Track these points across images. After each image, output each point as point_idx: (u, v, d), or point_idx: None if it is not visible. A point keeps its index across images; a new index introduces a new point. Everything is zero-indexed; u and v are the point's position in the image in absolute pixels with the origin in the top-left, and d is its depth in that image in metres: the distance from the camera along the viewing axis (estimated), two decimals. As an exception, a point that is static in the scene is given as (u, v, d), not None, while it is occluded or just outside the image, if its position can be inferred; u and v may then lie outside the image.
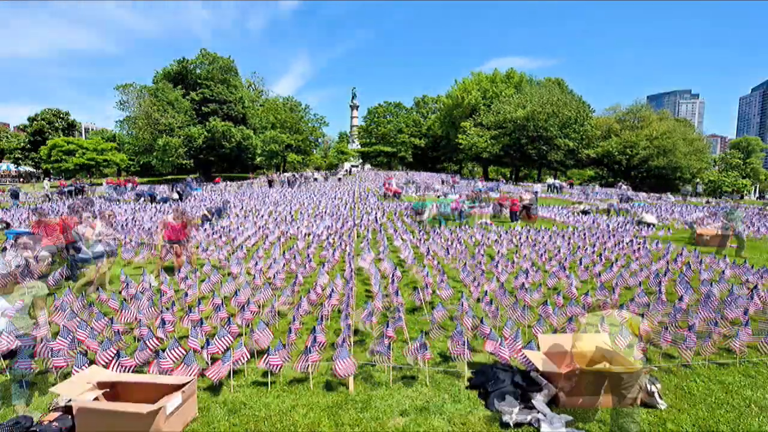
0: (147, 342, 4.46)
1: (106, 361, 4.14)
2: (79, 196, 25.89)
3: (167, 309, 5.52)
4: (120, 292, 6.52)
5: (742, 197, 50.95)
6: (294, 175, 39.24)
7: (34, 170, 61.65)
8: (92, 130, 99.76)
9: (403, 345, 5.10)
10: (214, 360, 4.23)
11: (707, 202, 30.32)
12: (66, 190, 28.20)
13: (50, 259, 7.76)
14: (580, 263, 8.69)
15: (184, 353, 4.20)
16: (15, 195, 23.55)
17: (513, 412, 3.59)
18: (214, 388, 4.13)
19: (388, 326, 4.74)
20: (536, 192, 26.18)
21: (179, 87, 50.24)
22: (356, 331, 5.48)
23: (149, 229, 12.78)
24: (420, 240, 11.30)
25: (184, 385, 3.55)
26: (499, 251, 9.66)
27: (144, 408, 3.18)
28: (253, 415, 3.71)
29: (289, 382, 4.28)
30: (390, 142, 70.17)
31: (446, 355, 4.88)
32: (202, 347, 4.46)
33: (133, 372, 4.16)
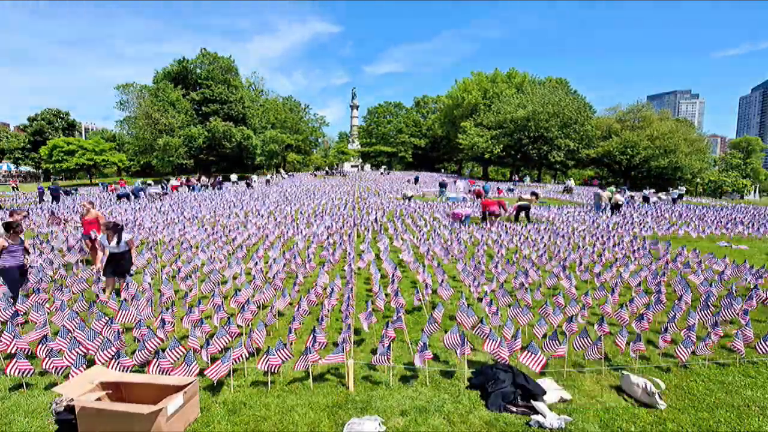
0: (147, 342, 4.46)
1: (105, 361, 4.15)
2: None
3: (167, 309, 5.52)
4: (119, 293, 6.52)
5: (742, 197, 50.90)
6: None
7: (34, 170, 61.70)
8: (92, 130, 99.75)
9: (403, 345, 5.11)
10: (213, 360, 4.24)
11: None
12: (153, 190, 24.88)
13: None
14: (580, 263, 8.70)
15: (184, 353, 4.21)
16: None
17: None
18: (214, 388, 4.14)
19: (388, 326, 4.74)
20: (535, 192, 26.29)
21: (180, 87, 50.26)
22: (356, 331, 5.49)
23: (149, 228, 12.79)
24: (420, 240, 11.30)
25: (186, 385, 3.55)
26: (499, 251, 9.66)
27: (145, 409, 3.18)
28: (253, 415, 3.72)
29: (289, 382, 4.28)
30: (390, 142, 70.20)
31: (446, 356, 4.88)
32: (201, 347, 4.47)
33: (133, 372, 4.16)
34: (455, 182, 34.92)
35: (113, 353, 4.21)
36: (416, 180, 38.14)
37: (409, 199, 23.54)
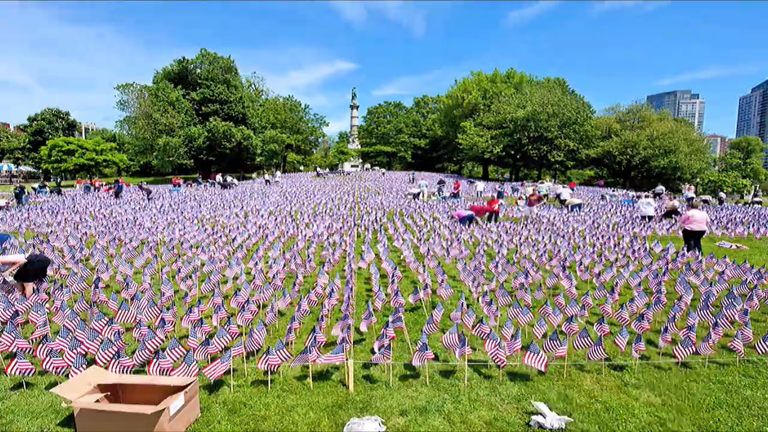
0: (147, 342, 4.46)
1: (106, 361, 4.15)
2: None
3: (167, 309, 5.52)
4: (119, 293, 6.52)
5: (742, 197, 50.91)
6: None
7: (34, 170, 61.68)
8: (92, 130, 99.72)
9: (403, 345, 5.11)
10: (212, 359, 4.23)
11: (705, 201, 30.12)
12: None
13: None
14: (580, 263, 8.69)
15: (184, 353, 4.21)
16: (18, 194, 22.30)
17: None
18: (215, 388, 4.13)
19: (387, 326, 4.74)
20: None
21: (179, 87, 50.19)
22: (356, 331, 5.48)
23: (149, 228, 12.79)
24: (420, 240, 11.30)
25: (186, 386, 3.54)
26: (499, 251, 9.65)
27: (148, 409, 3.18)
28: (253, 415, 3.72)
29: (290, 382, 4.28)
30: (390, 142, 70.16)
31: (446, 356, 4.88)
32: (201, 344, 4.46)
33: (132, 372, 4.16)
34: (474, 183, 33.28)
35: (113, 353, 4.21)
36: (412, 180, 38.83)
37: (416, 197, 24.00)
